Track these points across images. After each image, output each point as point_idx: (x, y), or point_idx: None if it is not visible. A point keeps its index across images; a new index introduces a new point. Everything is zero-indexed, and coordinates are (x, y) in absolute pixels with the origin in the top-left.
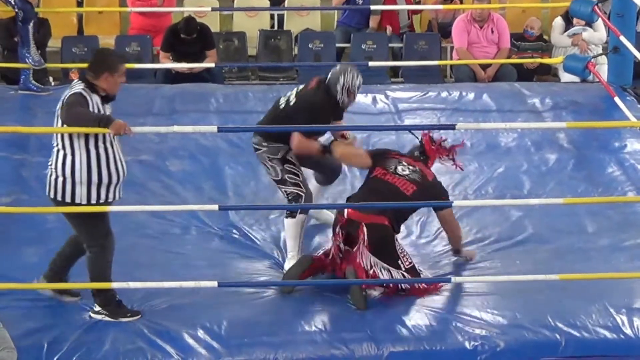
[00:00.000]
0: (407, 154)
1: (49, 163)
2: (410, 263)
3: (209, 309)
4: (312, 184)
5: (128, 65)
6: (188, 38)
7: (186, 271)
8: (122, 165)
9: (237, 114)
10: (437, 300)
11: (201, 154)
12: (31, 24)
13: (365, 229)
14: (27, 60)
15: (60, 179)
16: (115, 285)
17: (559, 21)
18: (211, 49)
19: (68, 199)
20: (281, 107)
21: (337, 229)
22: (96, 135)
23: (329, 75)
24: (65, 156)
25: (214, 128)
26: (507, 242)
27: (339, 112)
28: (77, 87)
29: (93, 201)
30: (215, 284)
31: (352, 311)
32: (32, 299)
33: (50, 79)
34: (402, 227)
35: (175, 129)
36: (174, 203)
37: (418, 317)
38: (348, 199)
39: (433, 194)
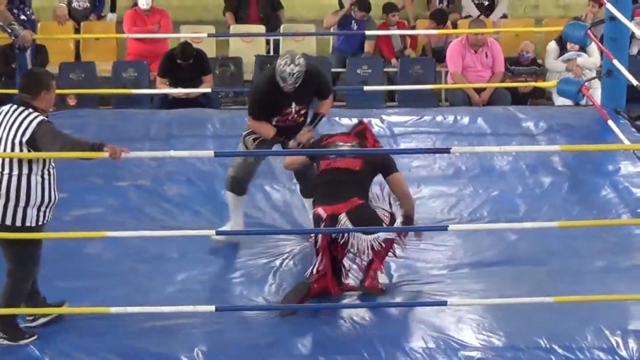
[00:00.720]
0: (339, 133)
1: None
2: (388, 215)
3: (207, 332)
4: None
5: (126, 91)
6: (184, 63)
7: (184, 295)
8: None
9: (233, 138)
10: (433, 322)
11: (198, 179)
12: (29, 51)
13: (347, 217)
14: None
15: (12, 203)
16: (113, 310)
17: (553, 45)
18: (207, 74)
19: (18, 223)
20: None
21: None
22: (49, 159)
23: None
24: (19, 181)
25: (211, 153)
26: (502, 264)
27: (284, 95)
28: (29, 113)
29: (40, 222)
30: (212, 308)
31: (347, 332)
32: None
33: None
34: None
35: (172, 154)
36: (172, 227)
37: (414, 338)
38: (314, 202)
39: (379, 161)
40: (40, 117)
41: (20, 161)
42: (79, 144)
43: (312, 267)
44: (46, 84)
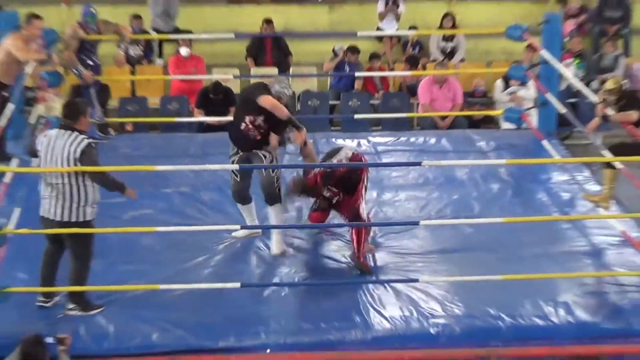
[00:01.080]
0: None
1: (56, 195)
2: None
3: (234, 304)
4: None
5: (170, 119)
6: (216, 98)
7: (216, 275)
8: None
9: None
10: (408, 296)
11: (226, 187)
12: (93, 89)
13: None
14: (92, 116)
15: (75, 205)
16: (162, 287)
17: (499, 82)
18: (233, 105)
19: (81, 219)
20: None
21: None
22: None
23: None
24: (79, 188)
25: (236, 166)
26: (462, 251)
27: None
28: (74, 139)
29: (94, 217)
30: (238, 285)
31: (342, 304)
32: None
33: (111, 130)
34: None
35: (207, 167)
36: (206, 224)
37: (394, 309)
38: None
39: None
40: (87, 140)
41: (76, 172)
42: (112, 180)
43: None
44: (83, 110)
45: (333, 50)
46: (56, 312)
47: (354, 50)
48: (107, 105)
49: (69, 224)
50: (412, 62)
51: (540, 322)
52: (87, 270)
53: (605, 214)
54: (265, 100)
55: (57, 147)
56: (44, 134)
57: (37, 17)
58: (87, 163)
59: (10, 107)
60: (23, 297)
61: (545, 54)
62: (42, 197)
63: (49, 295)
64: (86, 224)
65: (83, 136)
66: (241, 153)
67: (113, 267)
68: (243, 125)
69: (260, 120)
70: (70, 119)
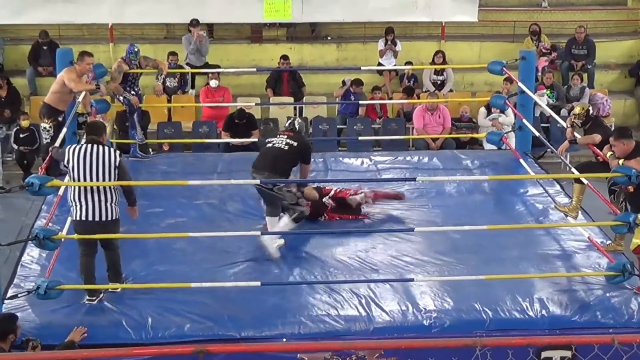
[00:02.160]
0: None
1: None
2: None
3: (255, 300)
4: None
5: (201, 141)
6: (240, 122)
7: (239, 275)
8: None
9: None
10: (405, 292)
11: (250, 198)
12: (136, 114)
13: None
14: (135, 137)
15: (113, 204)
16: (193, 285)
17: (482, 109)
18: (255, 129)
19: (115, 217)
20: (284, 148)
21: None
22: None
23: (296, 127)
24: (115, 190)
25: (257, 181)
26: (451, 254)
27: None
28: (109, 149)
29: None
30: (258, 283)
31: (346, 300)
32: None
33: (150, 149)
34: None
35: (232, 182)
36: (231, 231)
37: (392, 304)
38: None
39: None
40: (114, 153)
41: (115, 177)
42: (133, 192)
43: None
44: (105, 129)
45: (343, 81)
46: (101, 307)
47: (358, 82)
48: (147, 128)
49: (109, 223)
50: (408, 92)
51: (518, 315)
52: (119, 256)
53: (573, 222)
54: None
55: (94, 157)
56: (71, 147)
57: (88, 54)
58: (122, 170)
59: (64, 131)
60: (73, 295)
61: (521, 85)
62: (76, 203)
63: (94, 294)
64: (118, 220)
65: (114, 149)
66: None
67: (151, 267)
68: None
69: None
70: (97, 135)
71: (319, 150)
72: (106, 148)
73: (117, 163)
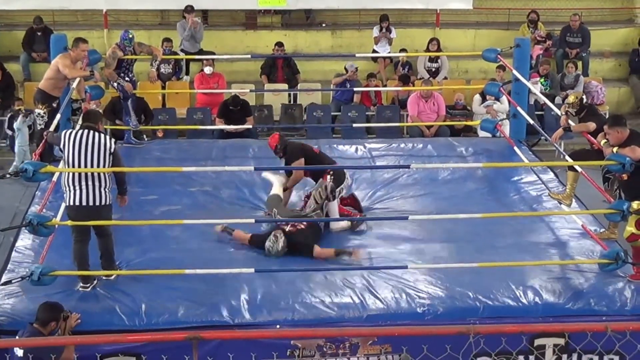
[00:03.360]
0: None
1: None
2: None
3: (249, 286)
4: None
5: (195, 127)
6: (234, 109)
7: (233, 262)
8: None
9: (266, 158)
10: (399, 280)
11: (243, 185)
12: (130, 100)
13: None
14: (129, 124)
15: (107, 189)
16: (187, 271)
17: (477, 97)
18: (249, 116)
19: (109, 202)
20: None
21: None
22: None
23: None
24: (106, 180)
25: (251, 168)
26: (444, 242)
27: None
28: (104, 136)
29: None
30: (252, 270)
31: (342, 286)
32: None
33: (144, 136)
34: None
35: (226, 169)
36: (225, 218)
37: (386, 291)
38: None
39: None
40: (109, 139)
41: (110, 163)
42: (123, 177)
43: None
44: (101, 117)
45: (345, 68)
46: (95, 293)
47: (345, 68)
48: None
49: (102, 207)
50: (404, 80)
51: (512, 303)
52: (113, 242)
53: (567, 210)
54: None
55: (89, 143)
56: (67, 132)
57: (83, 40)
58: (117, 157)
59: (58, 117)
60: (66, 281)
61: (516, 73)
62: (70, 188)
63: (88, 280)
64: (110, 206)
65: (110, 136)
66: None
67: (145, 254)
68: None
69: None
70: (94, 122)
71: (313, 137)
72: (102, 135)
73: (112, 150)
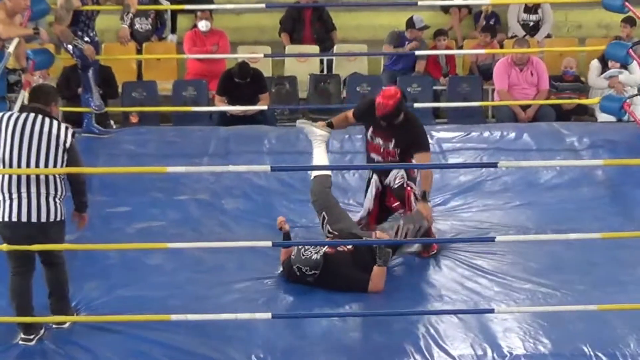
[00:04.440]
0: None
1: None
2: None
3: (263, 338)
4: None
5: (186, 108)
6: (242, 82)
7: (242, 303)
8: None
9: (288, 154)
10: (481, 329)
11: (255, 193)
12: (91, 70)
13: None
14: (89, 104)
15: (58, 200)
16: (174, 317)
17: (595, 64)
18: (264, 92)
19: (61, 217)
20: None
21: None
22: None
23: None
24: (61, 181)
25: (267, 167)
26: (548, 274)
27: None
28: (57, 124)
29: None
30: (269, 315)
31: (398, 339)
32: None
33: (112, 122)
34: None
35: (230, 169)
36: (229, 240)
37: (463, 346)
38: None
39: None
40: (63, 127)
41: (62, 163)
42: (82, 184)
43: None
44: (55, 97)
45: (412, 22)
46: (42, 349)
47: (411, 24)
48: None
49: (51, 225)
50: (491, 32)
51: None
52: (67, 274)
53: None
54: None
55: (37, 132)
56: (4, 115)
57: None
58: (74, 155)
59: None
60: (1, 330)
61: None
62: (5, 197)
63: (31, 330)
64: (63, 222)
65: (66, 124)
66: None
67: (113, 291)
68: None
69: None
70: (45, 103)
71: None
72: (54, 122)
73: (69, 144)
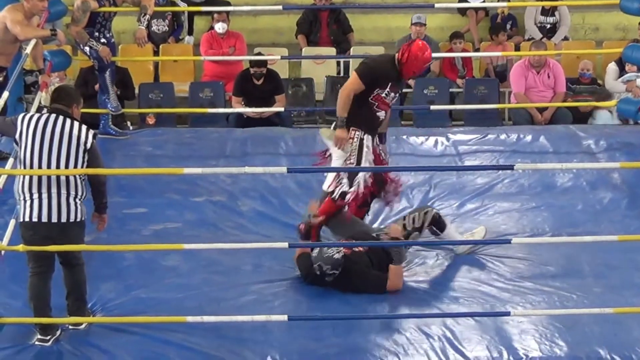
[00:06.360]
0: None
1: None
2: None
3: (280, 341)
4: None
5: (202, 110)
6: (258, 83)
7: (258, 305)
8: None
9: (305, 156)
10: (497, 332)
11: (271, 195)
12: (108, 72)
13: None
14: (107, 106)
15: (78, 201)
16: (189, 319)
17: (612, 67)
18: (280, 94)
19: (82, 217)
20: None
21: None
22: None
23: None
24: (79, 187)
25: (284, 169)
26: (563, 277)
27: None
28: (79, 125)
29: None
30: (285, 317)
31: (415, 341)
32: None
33: (128, 123)
34: None
35: (246, 170)
36: (245, 241)
37: (479, 347)
38: None
39: None
40: (85, 130)
41: (83, 164)
42: (102, 185)
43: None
44: (78, 98)
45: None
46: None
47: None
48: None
49: (71, 226)
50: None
51: None
52: (85, 275)
53: None
54: None
55: (58, 133)
56: (25, 116)
57: None
58: (94, 156)
59: (5, 95)
60: (17, 332)
61: None
62: (26, 198)
63: (48, 331)
64: (83, 223)
65: (86, 126)
66: None
67: (129, 292)
68: None
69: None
70: (67, 104)
71: None
72: (75, 123)
73: (89, 145)
